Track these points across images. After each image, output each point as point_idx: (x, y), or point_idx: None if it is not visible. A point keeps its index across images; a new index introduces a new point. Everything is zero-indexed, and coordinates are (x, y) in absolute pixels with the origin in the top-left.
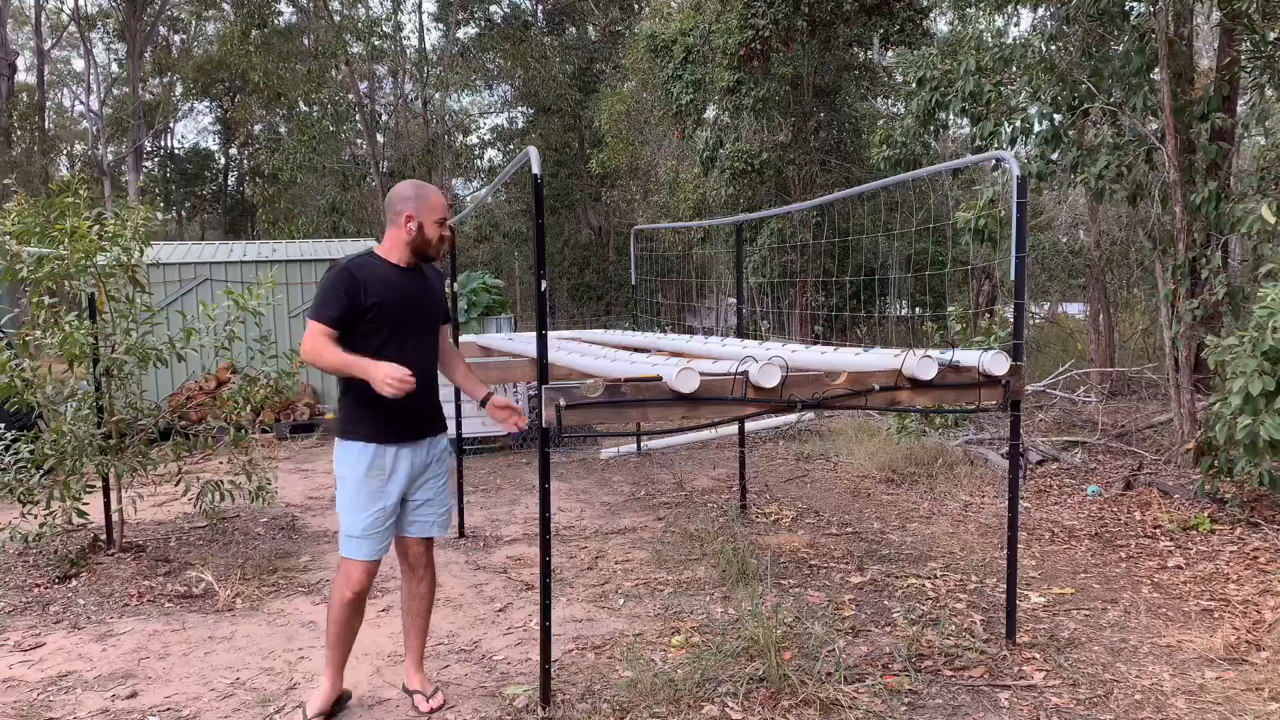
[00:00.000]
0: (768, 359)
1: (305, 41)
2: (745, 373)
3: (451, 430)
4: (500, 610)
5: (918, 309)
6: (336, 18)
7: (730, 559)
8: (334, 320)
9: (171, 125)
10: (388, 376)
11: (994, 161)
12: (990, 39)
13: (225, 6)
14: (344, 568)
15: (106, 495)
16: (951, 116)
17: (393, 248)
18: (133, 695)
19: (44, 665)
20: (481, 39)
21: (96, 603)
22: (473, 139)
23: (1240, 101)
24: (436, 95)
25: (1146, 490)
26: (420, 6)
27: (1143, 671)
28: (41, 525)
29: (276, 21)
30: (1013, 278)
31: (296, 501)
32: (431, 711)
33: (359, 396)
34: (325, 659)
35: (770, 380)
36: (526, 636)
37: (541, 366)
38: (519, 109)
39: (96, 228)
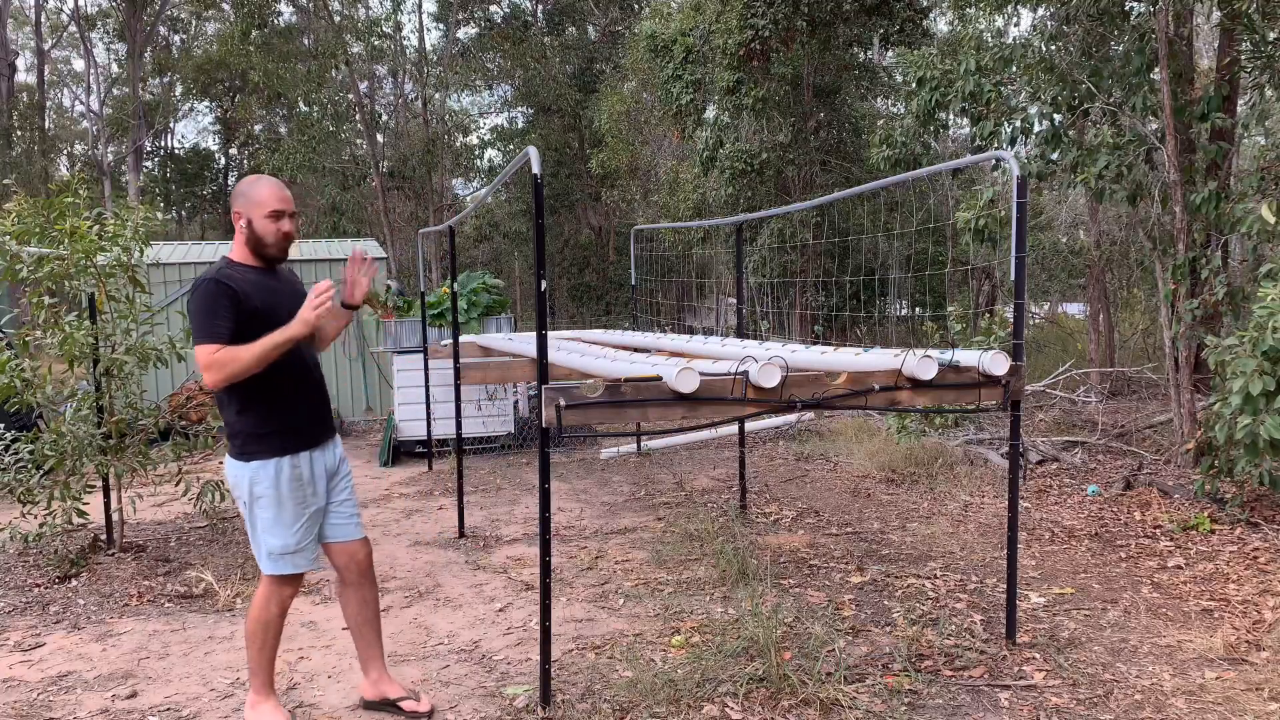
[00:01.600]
0: (768, 359)
1: (305, 41)
2: (745, 373)
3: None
4: (500, 610)
5: (918, 309)
6: (336, 18)
7: (730, 559)
8: (228, 335)
9: (171, 125)
10: (311, 307)
11: (994, 161)
12: (990, 39)
13: (225, 6)
14: (271, 586)
15: (106, 495)
16: (951, 116)
17: (242, 252)
18: (133, 695)
19: (44, 665)
20: (481, 39)
21: (96, 603)
22: (473, 139)
23: (1240, 101)
24: (436, 95)
25: (1146, 490)
26: (420, 6)
27: (1143, 671)
28: (41, 525)
29: (276, 21)
30: (1013, 278)
31: None
32: (433, 710)
33: (261, 409)
34: (252, 685)
35: (770, 380)
36: (526, 636)
37: (541, 366)
38: (519, 109)
39: (96, 228)
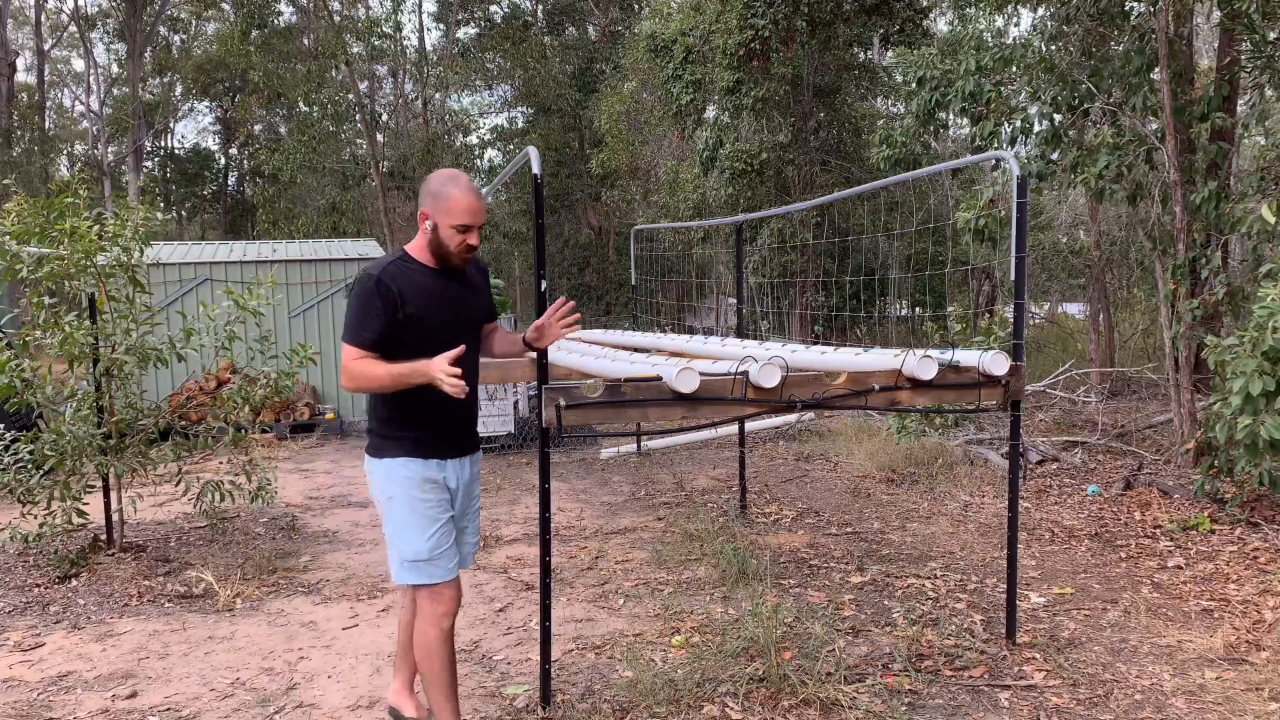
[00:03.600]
0: (768, 359)
1: (305, 41)
2: (745, 373)
3: None
4: (500, 610)
5: (918, 309)
6: (336, 18)
7: (730, 559)
8: (373, 342)
9: (171, 125)
10: (438, 371)
11: (994, 161)
12: (990, 39)
13: (225, 6)
14: (423, 600)
15: (106, 495)
16: (951, 116)
17: (421, 248)
18: (133, 695)
19: (44, 665)
20: (481, 39)
21: (96, 603)
22: (473, 139)
23: (1240, 101)
24: (436, 95)
25: (1146, 490)
26: (420, 6)
27: (1143, 671)
28: (41, 525)
29: (276, 21)
30: (1013, 278)
31: (296, 501)
32: None
33: (400, 413)
34: (433, 707)
35: (770, 380)
36: (526, 636)
37: (541, 366)
38: (519, 109)
39: (96, 228)
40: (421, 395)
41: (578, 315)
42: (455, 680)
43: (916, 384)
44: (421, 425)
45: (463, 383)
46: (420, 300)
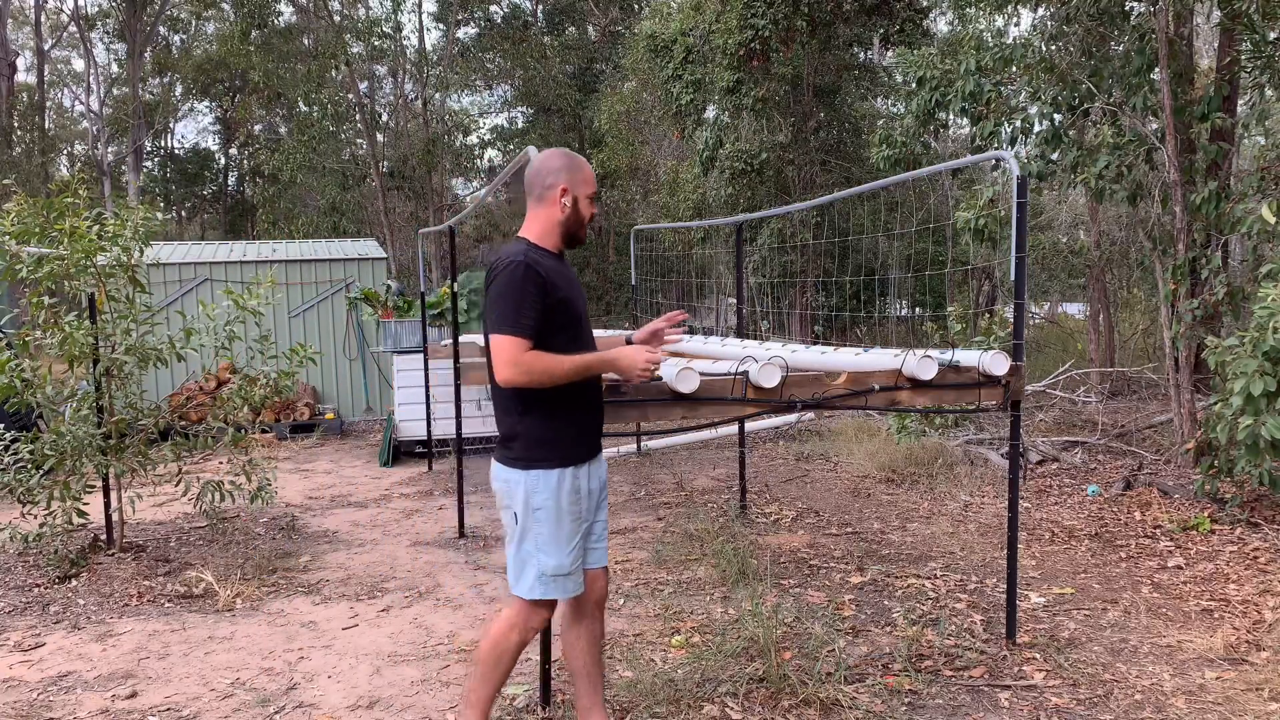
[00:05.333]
0: (767, 359)
1: (305, 41)
2: (745, 373)
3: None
4: (500, 610)
5: (918, 309)
6: (336, 18)
7: (730, 559)
8: (532, 329)
9: (171, 125)
10: (645, 361)
11: (994, 161)
12: (990, 39)
13: (225, 6)
14: (522, 613)
15: (106, 495)
16: (951, 116)
17: (547, 231)
18: (133, 695)
19: (44, 665)
20: (481, 39)
21: (96, 603)
22: (473, 139)
23: (1240, 101)
24: (436, 95)
25: (1146, 490)
26: (420, 6)
27: (1143, 671)
28: (41, 525)
29: (276, 21)
30: (1013, 278)
31: (296, 501)
32: None
33: (551, 414)
34: (468, 700)
35: (770, 380)
36: None
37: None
38: (519, 109)
39: (96, 228)
40: (577, 393)
41: (684, 327)
42: (499, 689)
43: (916, 384)
44: (572, 426)
45: (658, 364)
46: (564, 283)
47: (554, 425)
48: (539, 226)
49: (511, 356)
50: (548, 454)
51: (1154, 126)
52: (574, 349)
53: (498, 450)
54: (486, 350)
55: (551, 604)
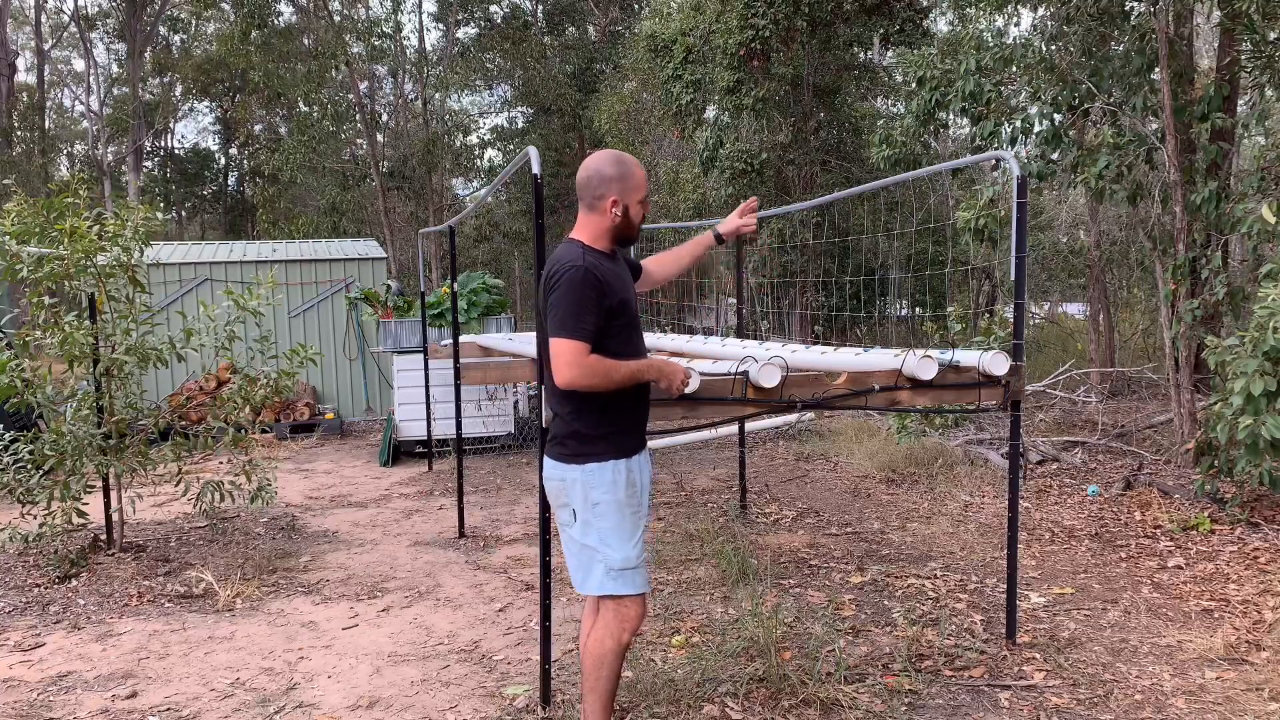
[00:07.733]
0: (768, 359)
1: (305, 41)
2: (745, 373)
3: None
4: (500, 610)
5: (918, 309)
6: (336, 18)
7: (730, 559)
8: (593, 334)
9: (171, 125)
10: (685, 374)
11: (994, 161)
12: (990, 39)
13: (225, 6)
14: (618, 610)
15: (106, 495)
16: (951, 116)
17: (598, 236)
18: (133, 695)
19: (44, 665)
20: (481, 39)
21: (96, 603)
22: (473, 139)
23: (1240, 101)
24: (436, 95)
25: (1146, 490)
26: (420, 6)
27: (1143, 671)
28: (41, 525)
29: (276, 21)
30: (1013, 278)
31: (296, 501)
32: None
33: (603, 410)
34: (584, 715)
35: (770, 380)
36: (526, 636)
37: (541, 366)
38: (519, 109)
39: (96, 228)
40: (629, 390)
41: (756, 207)
42: (615, 697)
43: (916, 384)
44: (623, 419)
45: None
46: (620, 285)
47: (607, 418)
48: (591, 231)
49: (573, 359)
50: (600, 447)
51: (1154, 126)
52: (628, 350)
53: (550, 448)
54: (542, 351)
55: (639, 601)
